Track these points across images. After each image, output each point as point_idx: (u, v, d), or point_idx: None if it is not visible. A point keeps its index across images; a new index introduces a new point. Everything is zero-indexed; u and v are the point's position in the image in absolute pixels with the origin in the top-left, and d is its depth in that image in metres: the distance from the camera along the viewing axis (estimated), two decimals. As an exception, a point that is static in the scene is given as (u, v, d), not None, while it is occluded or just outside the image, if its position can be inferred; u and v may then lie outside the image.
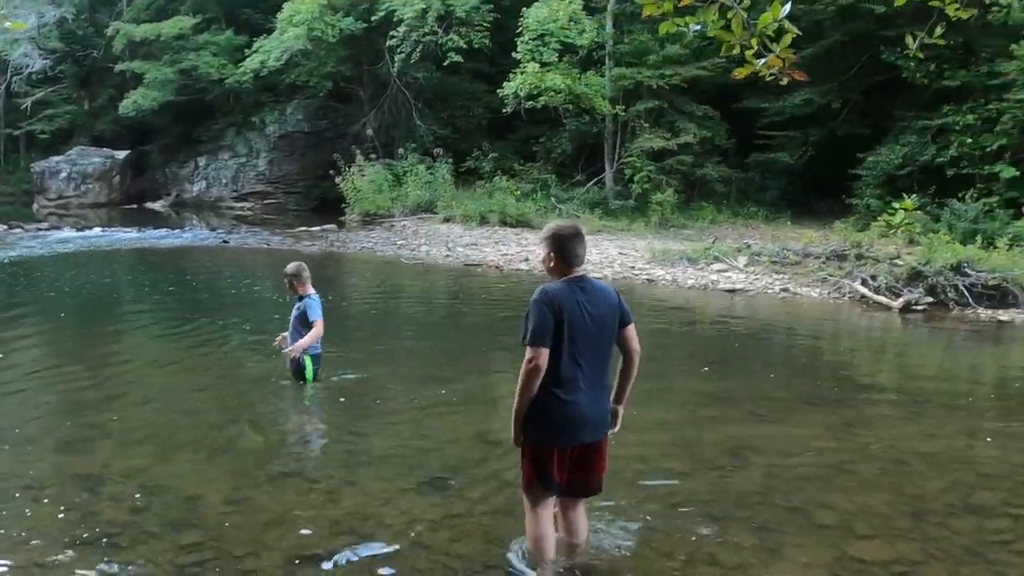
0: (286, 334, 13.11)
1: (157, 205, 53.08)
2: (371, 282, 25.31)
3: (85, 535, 7.85)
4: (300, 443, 11.08)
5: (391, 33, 41.49)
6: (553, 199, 37.99)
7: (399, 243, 32.64)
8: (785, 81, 6.32)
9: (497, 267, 26.69)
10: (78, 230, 37.86)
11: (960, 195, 29.61)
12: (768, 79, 6.39)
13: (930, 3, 6.78)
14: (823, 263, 23.54)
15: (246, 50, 47.02)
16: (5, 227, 37.01)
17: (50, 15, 54.87)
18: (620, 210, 36.66)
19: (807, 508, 8.67)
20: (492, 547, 7.64)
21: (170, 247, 32.84)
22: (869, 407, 12.83)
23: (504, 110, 38.22)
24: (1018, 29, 30.31)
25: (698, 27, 6.11)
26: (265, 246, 32.94)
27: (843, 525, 8.31)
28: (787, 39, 5.94)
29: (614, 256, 26.84)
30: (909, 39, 7.39)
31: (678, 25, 6.20)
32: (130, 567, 7.30)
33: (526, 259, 27.27)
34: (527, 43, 36.81)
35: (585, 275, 7.02)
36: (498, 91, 37.99)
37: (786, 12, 5.92)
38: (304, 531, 7.92)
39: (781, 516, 8.44)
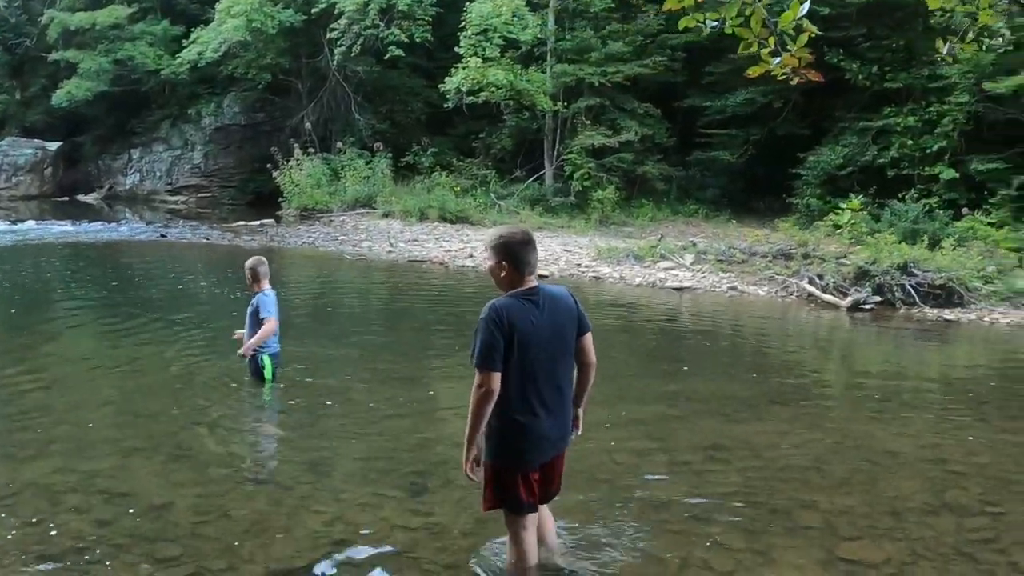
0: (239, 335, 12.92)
1: (90, 198, 52.45)
2: (317, 278, 24.95)
3: (49, 551, 7.47)
4: (265, 447, 10.79)
5: (332, 26, 41.26)
6: (493, 195, 37.86)
7: (340, 238, 32.38)
8: (795, 81, 6.21)
9: (442, 263, 26.51)
10: (10, 223, 37.18)
11: (900, 195, 29.81)
12: (781, 78, 6.26)
13: (964, 7, 6.66)
14: (769, 262, 23.62)
15: (183, 41, 46.57)
16: (-68, 221, 36.45)
17: (-19, 2, 54.12)
18: (560, 207, 36.62)
19: (789, 509, 8.62)
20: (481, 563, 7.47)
21: (107, 241, 32.28)
22: (832, 406, 12.91)
23: (446, 105, 38.05)
24: (961, 33, 30.53)
25: (715, 23, 5.99)
26: (204, 240, 32.55)
27: (827, 526, 8.28)
28: (803, 38, 5.83)
29: (559, 253, 26.78)
30: (939, 43, 7.29)
31: (698, 21, 6.09)
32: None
33: (470, 256, 27.10)
34: (470, 38, 36.61)
35: (538, 286, 6.68)
36: (440, 86, 37.75)
37: (805, 10, 5.81)
38: (281, 541, 7.67)
39: (766, 517, 8.37)
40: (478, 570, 7.29)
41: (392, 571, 7.18)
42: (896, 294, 20.81)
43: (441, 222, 34.70)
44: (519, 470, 6.66)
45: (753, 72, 6.20)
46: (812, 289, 21.46)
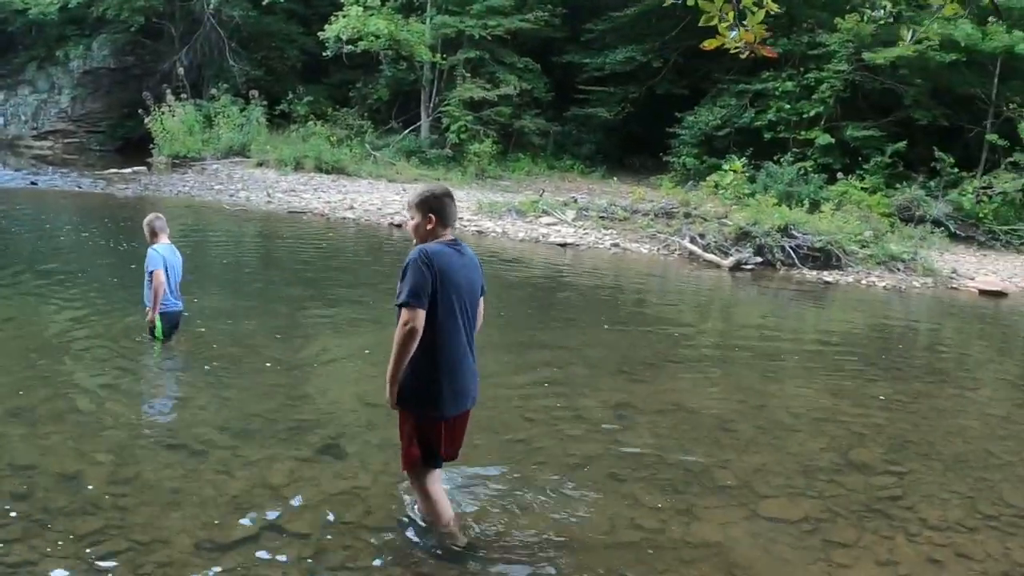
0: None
1: (-51, 142, 51.19)
2: (199, 230, 24.01)
3: None
4: (171, 409, 10.14)
5: (208, -33, 40.65)
6: (368, 146, 37.62)
7: (216, 187, 31.84)
8: (746, 55, 6.19)
9: (322, 215, 26.23)
10: None
11: (776, 158, 30.21)
12: (733, 52, 6.23)
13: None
14: (651, 220, 23.80)
15: (52, -20, 45.50)
16: None
17: None
18: (436, 159, 36.62)
19: (706, 467, 8.66)
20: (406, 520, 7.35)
21: (-30, 188, 31.33)
22: (729, 366, 12.99)
23: (325, 54, 37.76)
24: (840, 3, 31.21)
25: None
26: (76, 189, 31.63)
27: (744, 484, 8.34)
28: (760, 15, 5.79)
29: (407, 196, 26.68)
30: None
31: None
32: (32, 565, 6.51)
33: (350, 207, 26.97)
34: (352, -15, 36.14)
35: (457, 238, 6.80)
36: (319, 34, 37.42)
37: (768, -15, 5.79)
38: (205, 510, 7.35)
39: (683, 476, 8.40)
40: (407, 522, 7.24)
41: (330, 543, 6.95)
42: (776, 255, 21.09)
43: (317, 172, 34.49)
44: (444, 418, 6.70)
45: (709, 45, 6.12)
46: (694, 248, 21.67)
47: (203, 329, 13.10)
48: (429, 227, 6.64)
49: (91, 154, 46.98)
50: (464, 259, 6.69)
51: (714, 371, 12.52)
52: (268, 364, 11.71)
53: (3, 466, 8.02)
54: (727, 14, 5.84)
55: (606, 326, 15.01)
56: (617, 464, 8.62)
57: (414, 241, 6.79)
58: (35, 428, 9.01)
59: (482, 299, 7.00)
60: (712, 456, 9.01)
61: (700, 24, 5.96)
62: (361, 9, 35.45)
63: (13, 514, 7.11)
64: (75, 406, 9.72)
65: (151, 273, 11.88)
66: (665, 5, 8.03)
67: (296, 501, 7.55)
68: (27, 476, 7.82)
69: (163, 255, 11.98)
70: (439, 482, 7.02)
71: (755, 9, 5.81)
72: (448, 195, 6.81)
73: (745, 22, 5.83)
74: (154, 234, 12.17)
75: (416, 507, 7.18)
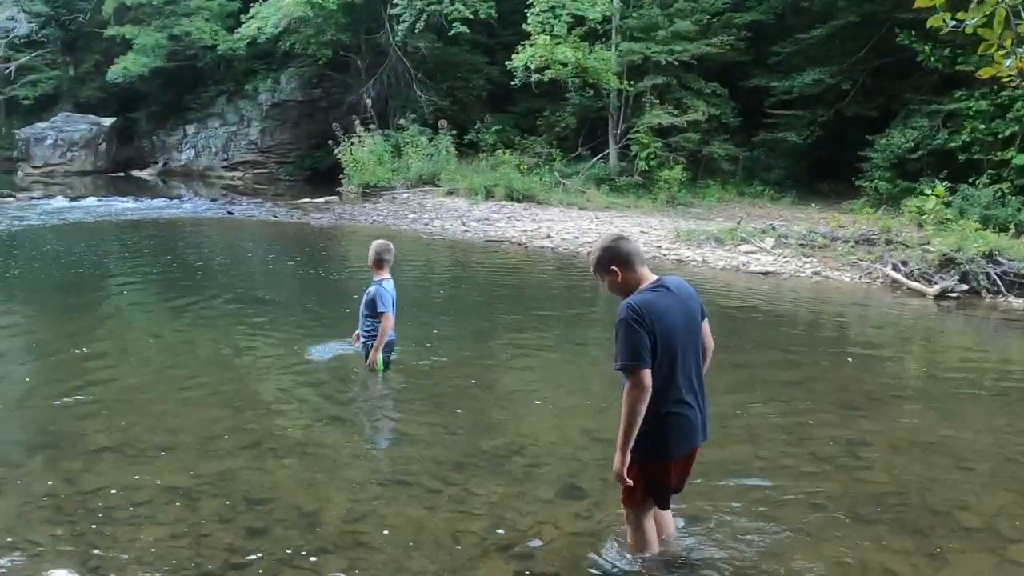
0: (359, 332, 12.66)
1: (145, 173, 52.81)
2: (403, 259, 24.29)
3: (207, 566, 7.05)
4: (398, 444, 10.29)
5: (394, 1, 41.21)
6: (557, 174, 37.74)
7: (410, 216, 32.31)
8: (1017, 84, 6.13)
9: (520, 244, 26.35)
10: (72, 199, 37.22)
11: (971, 180, 29.54)
12: (1005, 80, 6.14)
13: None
14: (852, 247, 23.37)
15: (240, 16, 46.58)
16: (-5, 196, 36.40)
17: (36, -23, 54.23)
18: (626, 186, 36.52)
19: (947, 509, 8.47)
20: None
21: (174, 218, 32.30)
22: (957, 401, 12.60)
23: (513, 82, 38.02)
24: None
25: (954, 23, 5.86)
26: (273, 218, 32.51)
27: (989, 527, 8.12)
28: (1034, 42, 5.70)
29: (635, 235, 26.53)
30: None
31: (944, 21, 5.96)
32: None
33: (547, 236, 27.04)
34: (538, 15, 36.49)
35: (662, 276, 6.72)
36: (506, 63, 37.66)
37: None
38: (447, 550, 7.40)
39: (927, 518, 8.24)
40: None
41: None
42: (981, 282, 20.55)
43: (507, 201, 34.62)
44: (671, 460, 6.71)
45: (985, 73, 6.08)
46: (897, 276, 21.21)
47: (422, 361, 13.25)
48: (620, 280, 6.63)
49: (280, 184, 48.28)
50: (674, 296, 6.59)
51: (938, 405, 12.20)
52: (487, 396, 11.91)
53: (238, 500, 8.21)
54: (1005, 41, 5.75)
55: (824, 357, 14.80)
56: (859, 504, 8.46)
57: (618, 298, 6.70)
58: (264, 460, 9.26)
59: (705, 322, 6.91)
60: (952, 495, 8.81)
61: (979, 52, 5.87)
62: (548, 38, 35.51)
63: (254, 555, 7.23)
64: (300, 439, 9.93)
65: (381, 314, 12.03)
66: (941, 34, 7.85)
67: (537, 542, 7.57)
68: (265, 511, 7.99)
69: (391, 294, 12.11)
70: (653, 519, 7.05)
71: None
72: (620, 239, 6.79)
73: (1021, 49, 5.73)
74: (380, 265, 12.27)
75: (627, 539, 7.19)
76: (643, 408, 6.34)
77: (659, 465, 6.70)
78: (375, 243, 12.47)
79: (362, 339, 12.47)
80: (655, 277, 6.66)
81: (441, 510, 8.10)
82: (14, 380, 12.15)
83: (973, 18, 5.84)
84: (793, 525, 7.96)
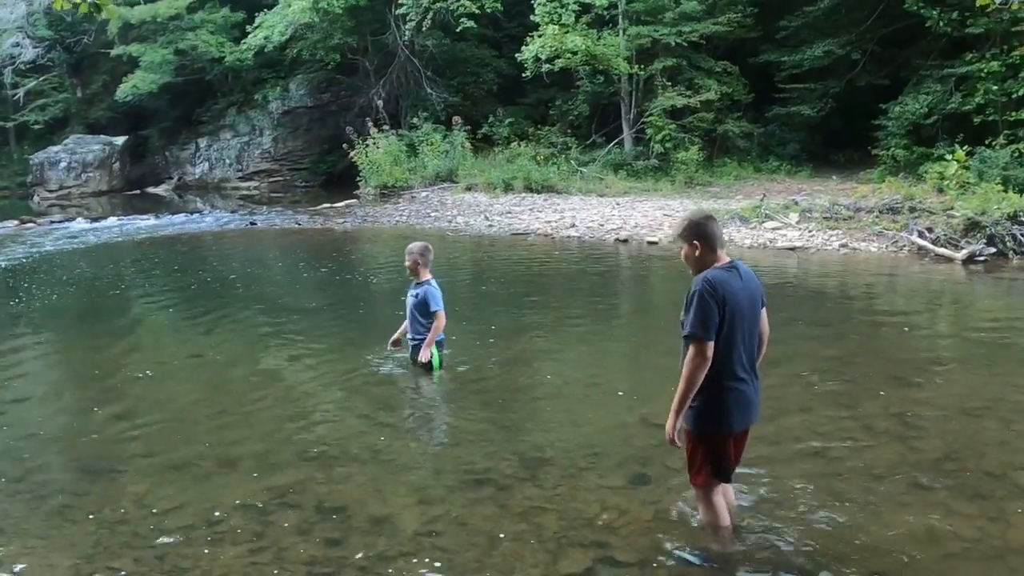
0: (397, 336, 12.82)
1: (160, 190, 53.00)
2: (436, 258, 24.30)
3: None
4: (460, 443, 10.09)
5: (400, 1, 41.30)
6: (574, 163, 37.84)
7: (432, 214, 32.53)
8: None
9: (547, 235, 26.50)
10: (92, 220, 37.20)
11: (988, 142, 29.51)
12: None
13: None
14: (876, 217, 23.40)
15: (247, 27, 46.72)
16: (17, 223, 36.40)
17: (39, 2, 54.24)
18: (643, 171, 36.63)
19: (1004, 472, 8.60)
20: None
21: (197, 233, 32.40)
22: (996, 365, 12.65)
23: (524, 74, 38.09)
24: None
25: (1000, 0, 6.00)
26: (296, 226, 32.61)
27: (1048, 488, 8.21)
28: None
29: (659, 218, 26.68)
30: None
31: (992, 1, 6.10)
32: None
33: (572, 226, 27.17)
34: (545, 5, 36.63)
35: (735, 260, 7.00)
36: (516, 55, 37.85)
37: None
38: (530, 547, 7.40)
39: (986, 483, 8.36)
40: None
41: (651, 562, 7.11)
42: (1008, 244, 20.60)
43: (527, 192, 34.77)
44: (731, 432, 6.99)
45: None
46: (924, 243, 21.29)
47: (468, 359, 13.33)
48: (697, 254, 6.88)
49: (296, 191, 48.61)
50: (743, 281, 6.87)
51: (979, 369, 12.35)
52: (538, 390, 12.02)
53: (311, 511, 8.22)
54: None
55: (861, 331, 14.94)
56: (918, 472, 8.61)
57: (690, 270, 6.99)
58: (332, 469, 9.24)
59: (764, 310, 7.21)
60: (1006, 458, 8.97)
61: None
62: (557, 28, 35.59)
63: (337, 565, 7.27)
64: (361, 446, 9.96)
65: (434, 312, 12.20)
66: (990, 9, 7.89)
67: (616, 531, 7.63)
68: (339, 520, 8.02)
69: (440, 293, 12.28)
70: (721, 494, 7.28)
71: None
72: (709, 218, 7.01)
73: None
74: (421, 267, 12.42)
75: (698, 517, 7.46)
76: (701, 377, 6.65)
77: (721, 438, 6.98)
78: (413, 246, 12.57)
79: (412, 342, 12.57)
80: (729, 259, 6.95)
81: (513, 507, 8.18)
82: (64, 406, 12.29)
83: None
84: (856, 496, 8.09)
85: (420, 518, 8.03)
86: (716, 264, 6.85)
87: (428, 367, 12.36)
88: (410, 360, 12.70)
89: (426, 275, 12.42)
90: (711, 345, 6.60)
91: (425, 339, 12.33)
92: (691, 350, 6.64)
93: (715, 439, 6.97)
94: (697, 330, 6.58)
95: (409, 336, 12.64)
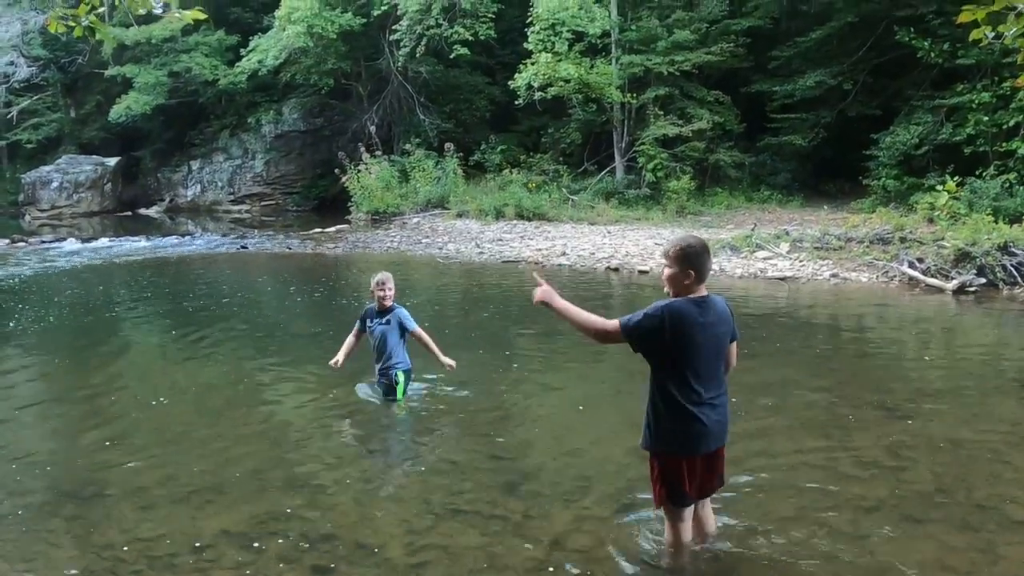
0: (339, 359, 12.62)
1: (151, 211, 53.17)
2: (424, 286, 24.25)
3: None
4: (441, 473, 9.93)
5: (394, 27, 41.49)
6: (565, 191, 37.92)
7: (423, 241, 32.53)
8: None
9: (537, 263, 26.50)
10: (84, 241, 37.45)
11: (978, 173, 29.65)
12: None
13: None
14: (867, 247, 23.47)
15: (241, 50, 46.89)
16: (7, 242, 36.53)
17: (34, 22, 54.39)
18: (635, 199, 36.68)
19: (995, 504, 8.58)
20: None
21: (188, 255, 32.45)
22: (985, 396, 12.66)
23: (517, 102, 38.14)
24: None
25: (992, 35, 6.03)
26: (287, 250, 32.68)
27: (1038, 519, 8.22)
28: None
29: (651, 247, 26.67)
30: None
31: (984, 35, 6.13)
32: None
33: (563, 253, 27.18)
34: (538, 33, 36.73)
35: (707, 295, 7.07)
36: (509, 83, 37.99)
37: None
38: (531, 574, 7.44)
39: (976, 515, 8.35)
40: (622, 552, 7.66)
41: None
42: (998, 275, 20.65)
43: (518, 219, 34.87)
44: (684, 458, 7.07)
45: (1020, 84, 6.24)
46: (915, 273, 21.33)
47: (454, 387, 13.17)
48: (687, 282, 6.95)
49: (288, 215, 48.69)
50: (708, 315, 6.97)
51: (970, 401, 12.31)
52: (524, 419, 12.01)
53: (298, 539, 8.19)
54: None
55: (851, 362, 14.93)
56: (908, 504, 8.60)
57: (666, 289, 7.09)
58: (316, 496, 9.25)
59: (733, 344, 7.33)
60: (997, 490, 8.94)
61: (1019, 62, 6.04)
62: (550, 56, 35.70)
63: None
64: (348, 474, 9.94)
65: (412, 331, 12.28)
66: (982, 44, 7.95)
67: (603, 561, 7.63)
68: (327, 548, 7.99)
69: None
70: (688, 520, 7.39)
71: None
72: (707, 250, 7.06)
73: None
74: (392, 295, 12.42)
75: (665, 536, 7.52)
76: (592, 337, 7.18)
77: (675, 461, 7.09)
78: (385, 276, 12.52)
79: (388, 372, 12.45)
80: (704, 294, 7.02)
81: (501, 536, 8.15)
82: (52, 429, 12.24)
83: (1007, 32, 5.98)
84: (845, 527, 8.09)
85: (408, 547, 8.01)
86: (691, 295, 6.96)
87: (390, 393, 12.34)
88: (382, 393, 12.58)
89: (390, 302, 12.44)
90: (618, 335, 6.95)
91: (394, 365, 12.33)
92: (612, 324, 6.99)
93: (670, 461, 7.09)
94: (630, 327, 6.88)
95: (381, 368, 12.49)
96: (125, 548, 8.11)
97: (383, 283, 12.42)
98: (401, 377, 12.33)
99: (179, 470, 10.11)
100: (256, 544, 8.10)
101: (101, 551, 8.07)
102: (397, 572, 7.56)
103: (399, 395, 12.30)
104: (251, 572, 7.59)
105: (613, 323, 6.95)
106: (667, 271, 7.06)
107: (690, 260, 6.92)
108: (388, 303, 12.40)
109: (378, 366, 12.53)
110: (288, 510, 8.86)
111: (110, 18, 51.87)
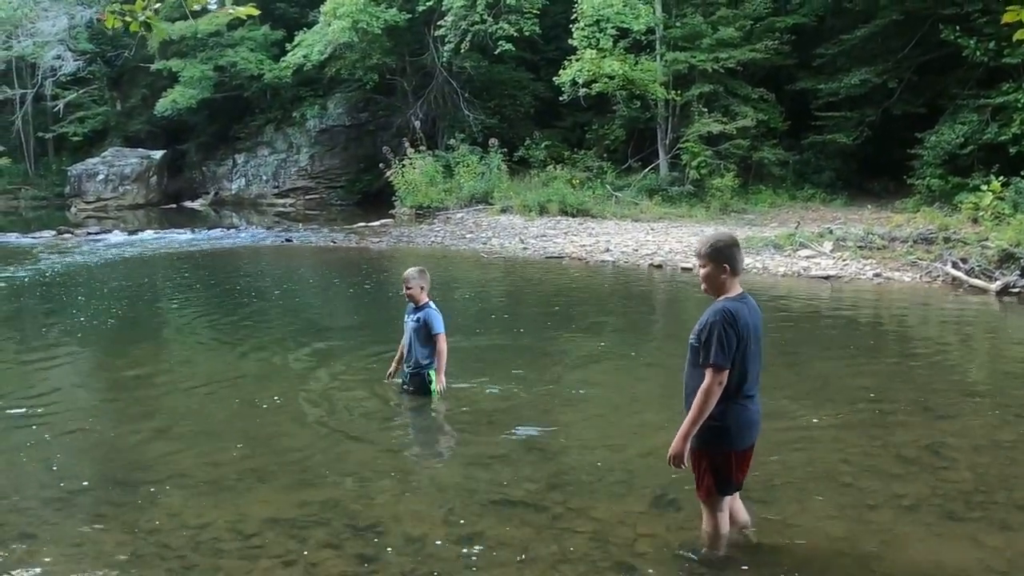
0: (394, 369, 12.70)
1: (196, 204, 53.41)
2: (469, 281, 24.50)
3: None
4: (485, 466, 9.97)
5: (439, 23, 41.56)
6: (609, 187, 37.98)
7: (467, 236, 32.71)
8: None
9: (580, 259, 26.59)
10: (130, 233, 37.70)
11: (1023, 173, 29.40)
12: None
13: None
14: (911, 247, 23.41)
15: (287, 45, 47.06)
16: (54, 233, 36.84)
17: (80, 16, 54.72)
18: (679, 196, 36.70)
19: (1035, 504, 8.60)
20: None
21: (234, 248, 32.77)
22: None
23: (561, 97, 38.25)
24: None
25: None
26: (332, 244, 32.95)
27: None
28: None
29: (694, 245, 26.58)
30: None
31: None
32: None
33: (607, 250, 27.29)
34: (583, 29, 36.78)
35: (743, 291, 7.22)
36: (554, 79, 38.02)
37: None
38: (565, 569, 7.42)
39: (1016, 516, 8.40)
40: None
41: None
42: (1041, 276, 20.57)
43: (562, 216, 34.86)
44: (735, 450, 7.22)
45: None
46: (958, 273, 21.25)
47: (498, 382, 13.29)
48: (723, 276, 7.09)
49: (332, 209, 48.70)
50: (754, 314, 7.18)
51: (1012, 402, 12.32)
52: (567, 414, 12.00)
53: (343, 527, 8.26)
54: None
55: (894, 362, 14.90)
56: (948, 503, 8.63)
57: (703, 288, 7.26)
58: (364, 486, 9.33)
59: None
60: (1040, 492, 8.93)
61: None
62: (595, 52, 35.74)
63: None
64: (394, 465, 10.10)
65: (436, 336, 12.15)
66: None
67: (645, 555, 7.67)
68: (371, 537, 8.04)
69: (440, 315, 12.28)
70: (727, 508, 7.52)
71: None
72: (737, 244, 7.27)
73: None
74: (423, 292, 12.38)
75: (705, 526, 7.60)
76: (715, 402, 6.92)
77: (725, 456, 7.21)
78: (411, 272, 12.47)
79: (410, 369, 12.44)
80: (741, 291, 7.18)
81: (545, 528, 8.20)
82: (100, 417, 12.33)
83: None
84: (885, 525, 8.14)
85: (452, 538, 8.06)
86: (731, 293, 7.10)
87: (424, 392, 12.28)
88: (403, 388, 12.61)
89: (424, 298, 12.39)
90: (727, 373, 6.89)
91: (426, 366, 12.26)
92: (710, 377, 6.87)
93: (719, 457, 7.20)
94: (719, 359, 6.84)
95: (407, 363, 12.48)
96: (170, 532, 8.22)
97: (406, 280, 12.46)
98: (433, 376, 12.29)
99: (224, 457, 10.27)
100: (302, 531, 8.19)
101: (148, 536, 8.16)
102: (442, 562, 7.60)
103: (433, 391, 12.24)
104: (297, 559, 7.66)
105: (713, 378, 6.88)
106: (703, 270, 7.19)
107: (723, 255, 7.07)
108: (419, 300, 12.40)
109: (408, 366, 12.50)
110: (334, 499, 8.95)
111: (158, 12, 52.04)
